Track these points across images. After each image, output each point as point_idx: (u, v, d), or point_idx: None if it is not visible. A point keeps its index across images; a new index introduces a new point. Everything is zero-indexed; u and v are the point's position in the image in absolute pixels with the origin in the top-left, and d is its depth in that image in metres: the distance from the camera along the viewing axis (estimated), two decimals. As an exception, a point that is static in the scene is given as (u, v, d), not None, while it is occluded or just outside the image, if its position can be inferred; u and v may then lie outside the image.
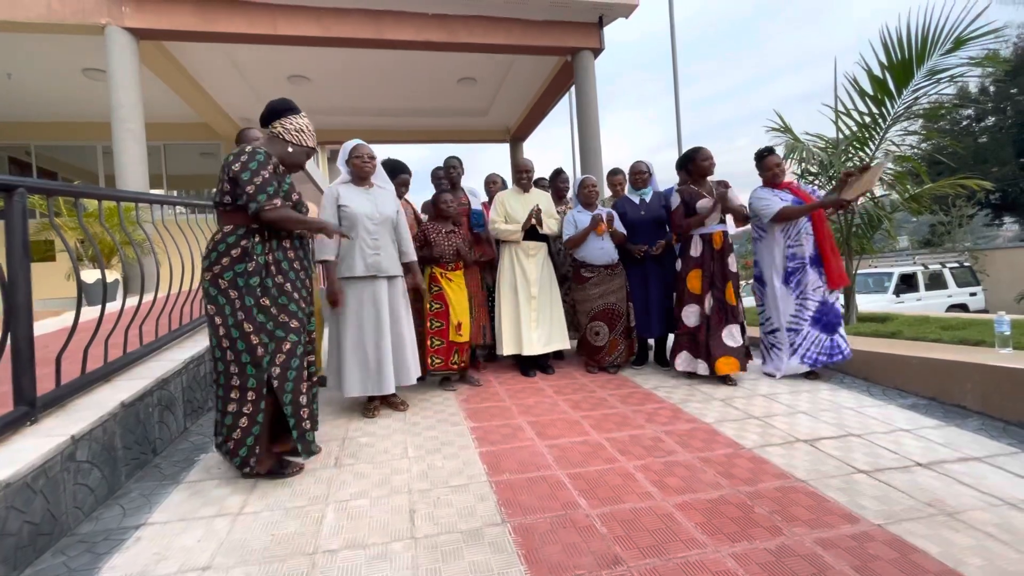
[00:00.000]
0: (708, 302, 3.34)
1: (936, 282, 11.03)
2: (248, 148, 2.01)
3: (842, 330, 3.32)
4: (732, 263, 3.38)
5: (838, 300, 3.36)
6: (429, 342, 3.33)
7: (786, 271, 3.38)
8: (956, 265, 11.80)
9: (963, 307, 10.75)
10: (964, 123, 20.10)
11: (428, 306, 3.36)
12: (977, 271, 12.32)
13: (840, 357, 3.28)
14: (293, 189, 2.17)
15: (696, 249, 3.41)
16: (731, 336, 3.28)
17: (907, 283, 10.71)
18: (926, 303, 10.28)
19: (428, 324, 3.34)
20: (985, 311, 10.44)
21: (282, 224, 2.05)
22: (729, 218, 3.53)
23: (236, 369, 2.00)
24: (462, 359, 3.41)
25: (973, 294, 11.27)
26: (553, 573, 1.46)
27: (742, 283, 3.89)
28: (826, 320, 3.30)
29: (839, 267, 3.30)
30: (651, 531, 1.66)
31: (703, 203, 3.36)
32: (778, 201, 3.34)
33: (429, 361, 3.33)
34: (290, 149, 2.15)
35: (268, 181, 1.99)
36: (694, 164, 3.49)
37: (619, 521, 1.72)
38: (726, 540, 1.60)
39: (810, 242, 3.32)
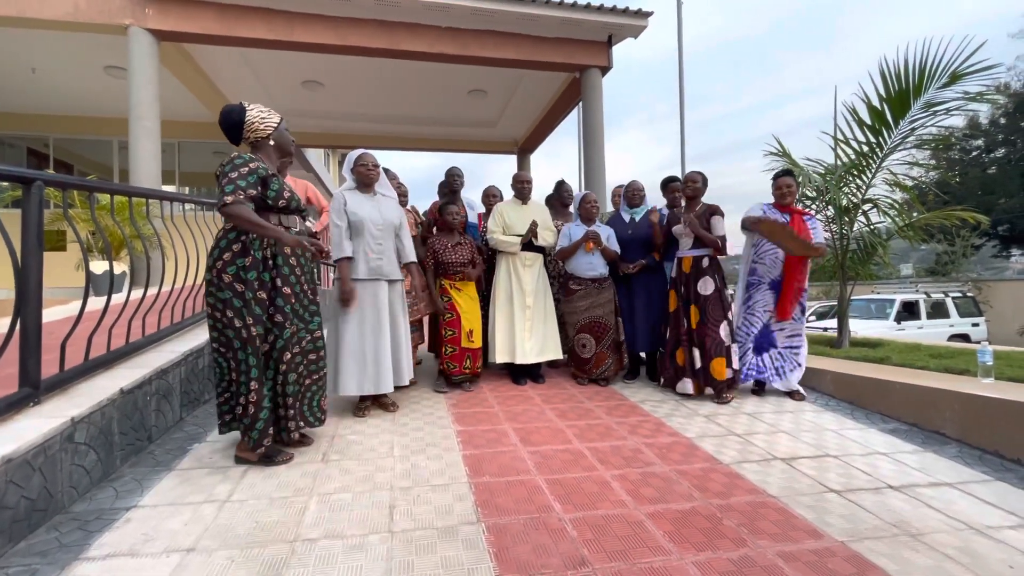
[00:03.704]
0: (674, 321, 3.50)
1: (938, 311, 11.02)
2: (234, 154, 2.14)
3: (768, 356, 3.48)
4: (705, 286, 3.42)
5: (782, 330, 3.49)
6: (444, 349, 3.48)
7: (747, 284, 3.56)
8: (959, 295, 11.78)
9: (965, 337, 10.71)
10: (974, 153, 20.15)
11: (441, 316, 3.48)
12: (981, 302, 12.28)
13: (756, 375, 3.48)
14: (284, 189, 2.25)
15: (673, 270, 3.61)
16: (689, 357, 3.39)
17: (909, 311, 10.71)
18: (927, 331, 10.26)
19: (442, 332, 3.47)
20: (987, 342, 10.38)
21: (237, 222, 2.07)
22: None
23: (242, 356, 2.12)
24: (475, 364, 3.53)
25: (975, 324, 11.23)
26: (520, 570, 1.52)
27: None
28: (759, 342, 3.50)
29: (791, 305, 3.45)
30: (620, 537, 1.71)
31: (676, 228, 3.54)
32: (758, 212, 3.50)
33: (445, 366, 3.48)
34: (272, 142, 2.26)
35: (233, 180, 2.07)
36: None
37: (590, 526, 1.78)
38: (691, 549, 1.65)
39: (778, 267, 3.44)
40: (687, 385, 3.39)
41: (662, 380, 3.61)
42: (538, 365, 3.83)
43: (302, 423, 2.37)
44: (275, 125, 2.26)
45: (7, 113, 8.94)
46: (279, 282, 2.19)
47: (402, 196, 3.85)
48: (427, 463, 2.30)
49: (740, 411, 3.16)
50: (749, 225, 3.47)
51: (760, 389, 3.54)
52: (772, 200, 3.60)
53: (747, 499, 2.00)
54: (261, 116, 2.23)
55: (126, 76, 5.99)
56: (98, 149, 9.72)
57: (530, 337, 3.71)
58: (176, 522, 1.76)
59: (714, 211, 3.45)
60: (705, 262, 3.46)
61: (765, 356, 3.48)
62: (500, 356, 3.70)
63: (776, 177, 3.59)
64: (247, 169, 2.12)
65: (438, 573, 1.50)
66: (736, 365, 3.38)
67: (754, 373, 3.49)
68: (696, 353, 3.36)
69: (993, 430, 2.54)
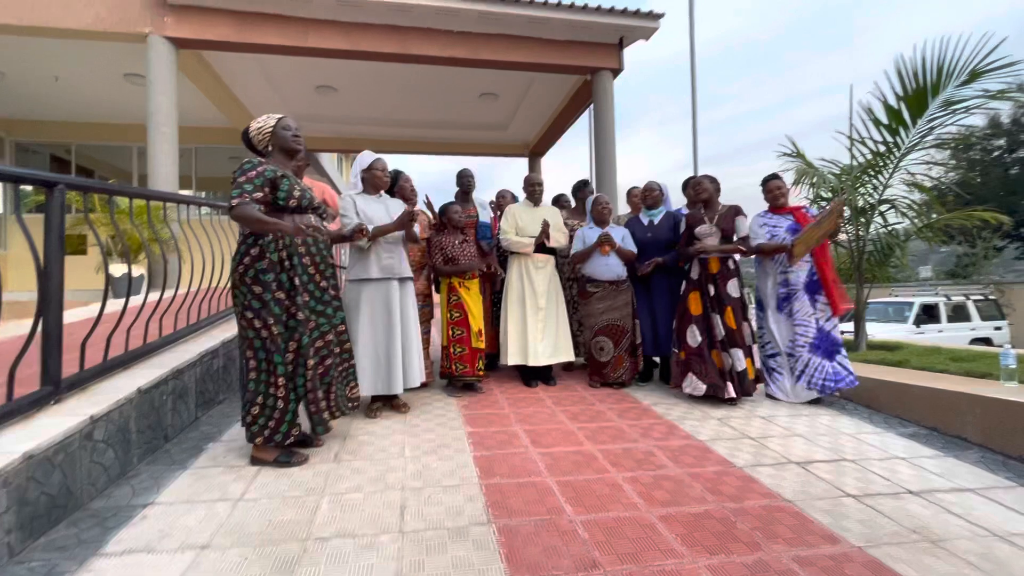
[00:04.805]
0: (705, 324, 3.37)
1: (959, 314, 10.77)
2: (245, 160, 2.21)
3: (841, 358, 3.30)
4: (732, 288, 3.38)
5: (835, 328, 3.36)
6: (452, 349, 3.45)
7: (778, 297, 3.45)
8: (981, 298, 11.50)
9: (987, 341, 10.45)
10: (996, 153, 19.71)
11: (449, 315, 3.48)
12: (1003, 305, 11.99)
13: (844, 384, 3.25)
14: (295, 188, 2.27)
15: (695, 272, 3.50)
16: (729, 359, 3.30)
17: (929, 314, 10.48)
18: (948, 335, 10.02)
19: (450, 332, 3.46)
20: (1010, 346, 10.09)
21: (243, 222, 2.16)
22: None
23: (264, 355, 2.19)
24: (483, 365, 3.56)
25: (998, 328, 10.95)
26: (531, 572, 1.51)
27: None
28: (824, 347, 3.31)
29: (839, 293, 3.33)
30: (631, 539, 1.70)
31: (701, 229, 3.46)
32: (762, 234, 3.48)
33: (454, 368, 3.46)
34: (269, 147, 2.34)
35: (240, 184, 2.14)
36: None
37: (601, 528, 1.77)
38: (704, 552, 1.63)
39: (806, 269, 3.36)
40: (730, 389, 3.21)
41: (705, 387, 3.26)
42: (549, 367, 3.82)
43: (336, 413, 2.43)
44: (270, 130, 2.33)
45: (32, 121, 9.18)
46: (296, 281, 2.25)
47: (416, 198, 3.87)
48: (438, 464, 2.31)
49: (754, 414, 3.12)
50: (771, 251, 3.43)
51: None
52: (767, 207, 3.58)
53: (761, 503, 1.98)
54: (258, 127, 2.34)
55: (145, 83, 6.12)
56: (118, 155, 9.94)
57: (542, 339, 3.70)
58: (191, 519, 1.78)
59: (738, 211, 3.45)
60: (731, 264, 3.42)
61: (839, 359, 3.29)
62: (512, 358, 3.69)
63: (765, 182, 3.59)
64: (255, 172, 2.18)
65: (449, 573, 1.50)
66: (757, 365, 3.37)
67: (832, 383, 3.24)
68: (738, 354, 3.28)
69: (1017, 435, 2.47)
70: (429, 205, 4.04)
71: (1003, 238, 16.84)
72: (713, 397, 3.30)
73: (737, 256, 3.51)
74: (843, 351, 3.33)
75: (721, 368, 3.28)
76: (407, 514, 1.84)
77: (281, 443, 2.25)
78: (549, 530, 1.75)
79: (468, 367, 3.45)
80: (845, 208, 3.32)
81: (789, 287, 3.40)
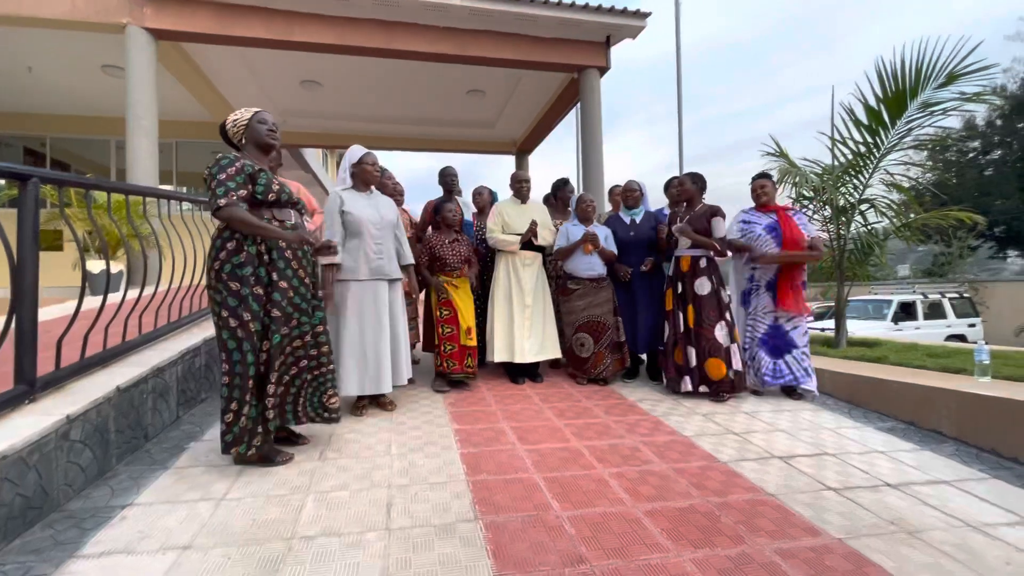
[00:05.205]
0: (674, 320, 3.49)
1: (935, 312, 11.06)
2: (220, 155, 2.14)
3: (791, 358, 3.41)
4: (700, 286, 3.40)
5: (798, 328, 3.45)
6: (442, 347, 3.45)
7: (742, 292, 3.60)
8: (956, 296, 11.82)
9: (961, 338, 10.75)
10: (971, 155, 20.20)
11: (438, 313, 3.46)
12: (977, 303, 12.33)
13: (783, 381, 3.39)
14: (273, 182, 2.21)
15: (671, 269, 3.61)
16: (685, 355, 3.39)
17: (906, 311, 10.75)
18: (924, 332, 10.29)
19: (440, 330, 3.44)
20: (984, 342, 10.36)
21: (233, 224, 2.07)
22: None
23: (239, 357, 2.09)
24: (474, 362, 3.54)
25: (972, 325, 11.27)
26: (518, 568, 1.51)
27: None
28: (773, 344, 3.45)
29: (792, 295, 3.41)
30: (617, 534, 1.71)
31: (676, 227, 3.55)
32: (735, 230, 3.61)
33: (445, 365, 3.45)
34: (243, 141, 2.28)
35: (223, 182, 2.06)
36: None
37: (588, 523, 1.78)
38: (689, 546, 1.65)
39: (772, 267, 3.47)
40: (687, 383, 3.34)
41: (665, 380, 3.55)
42: (536, 364, 3.82)
43: (305, 419, 2.35)
44: (245, 123, 2.26)
45: (3, 112, 8.91)
46: (275, 276, 2.17)
47: (399, 196, 3.85)
48: (425, 461, 2.30)
49: (738, 410, 3.16)
50: (737, 249, 3.57)
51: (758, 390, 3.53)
52: (754, 204, 3.67)
53: (745, 497, 2.00)
54: (234, 120, 2.28)
55: (123, 75, 5.98)
56: (95, 149, 9.70)
57: (529, 336, 3.70)
58: (172, 520, 1.75)
59: (715, 212, 3.43)
60: (703, 262, 3.44)
61: (788, 358, 3.40)
62: (499, 355, 3.69)
63: (752, 180, 3.69)
64: (234, 169, 2.10)
65: (435, 571, 1.50)
66: (737, 366, 3.34)
67: (770, 378, 3.40)
68: (692, 352, 3.35)
69: (990, 428, 2.54)
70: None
71: (977, 238, 17.30)
72: (695, 393, 3.37)
73: (719, 258, 3.56)
74: (796, 352, 3.41)
75: (682, 363, 3.40)
76: (393, 512, 1.83)
77: (244, 455, 2.12)
78: (536, 526, 1.76)
79: (458, 364, 3.45)
80: (823, 249, 3.51)
81: (753, 283, 3.56)
